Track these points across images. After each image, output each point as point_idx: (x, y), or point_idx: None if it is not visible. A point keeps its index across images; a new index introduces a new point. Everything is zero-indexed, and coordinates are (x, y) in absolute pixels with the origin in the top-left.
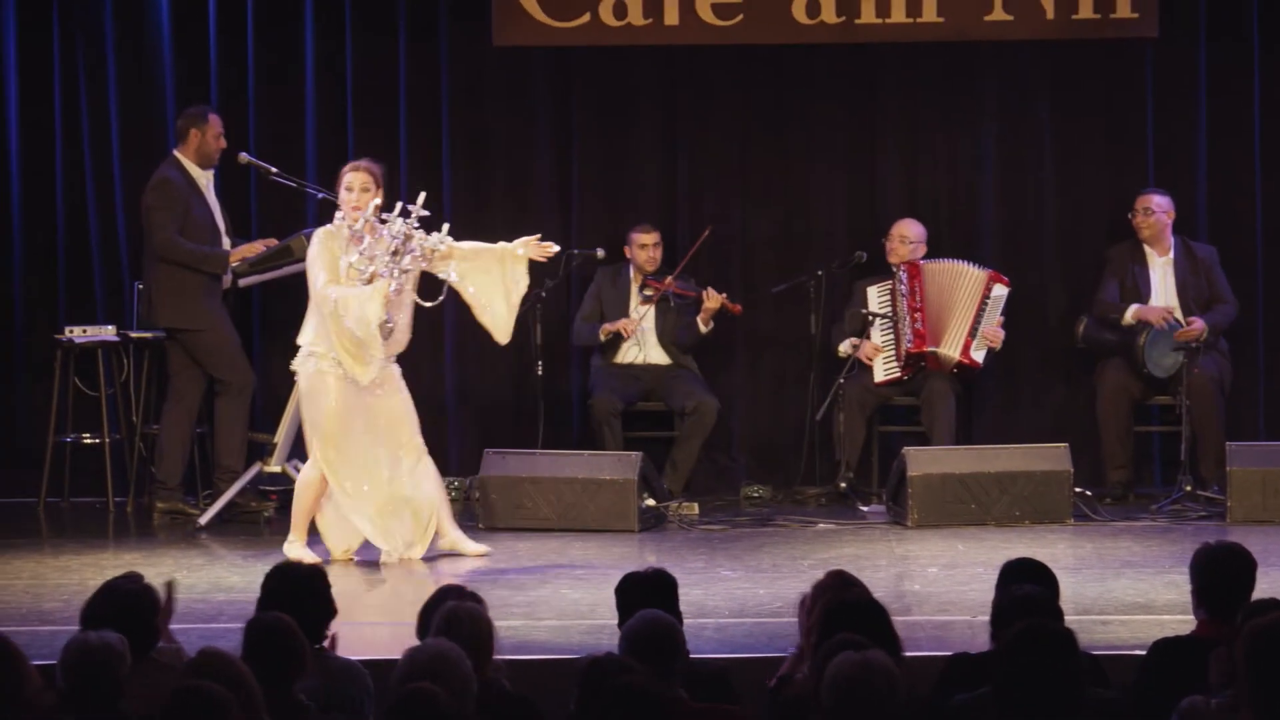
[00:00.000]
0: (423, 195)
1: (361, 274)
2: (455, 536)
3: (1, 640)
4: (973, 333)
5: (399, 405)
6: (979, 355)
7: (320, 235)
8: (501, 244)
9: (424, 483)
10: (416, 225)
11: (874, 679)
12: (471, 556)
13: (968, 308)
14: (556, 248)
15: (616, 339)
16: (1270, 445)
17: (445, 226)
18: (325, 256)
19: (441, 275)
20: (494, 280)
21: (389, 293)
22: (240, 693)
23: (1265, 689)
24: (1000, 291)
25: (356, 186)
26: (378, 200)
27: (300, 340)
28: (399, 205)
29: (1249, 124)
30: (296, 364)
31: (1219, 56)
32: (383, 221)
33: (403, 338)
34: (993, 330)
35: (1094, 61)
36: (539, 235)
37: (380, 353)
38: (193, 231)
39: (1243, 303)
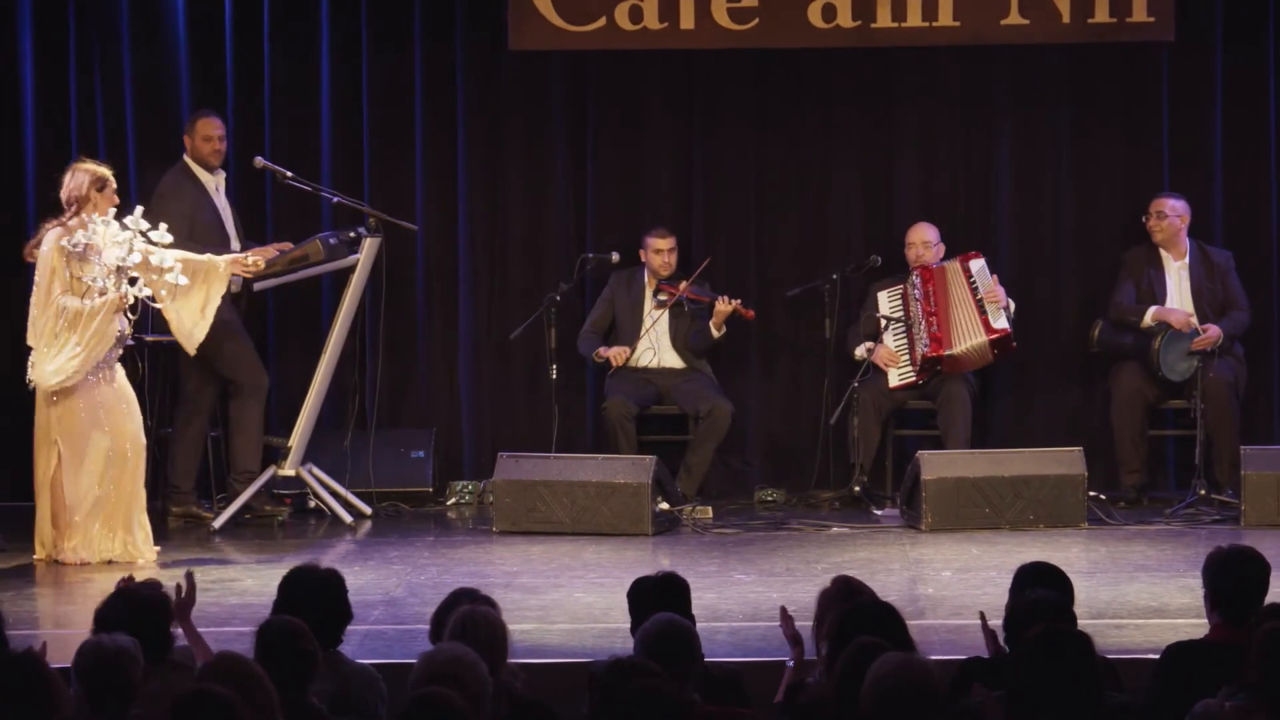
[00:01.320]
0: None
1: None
2: None
3: (34, 661)
4: (982, 308)
5: None
6: (999, 323)
7: None
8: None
9: None
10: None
11: (918, 679)
12: None
13: (963, 295)
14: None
15: (631, 340)
16: (1270, 449)
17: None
18: None
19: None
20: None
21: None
22: (257, 697)
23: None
24: (977, 264)
25: None
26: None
27: None
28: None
29: (1265, 128)
30: None
31: (1235, 60)
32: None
33: None
34: (992, 293)
35: (1110, 65)
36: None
37: None
38: (201, 235)
39: (1258, 307)
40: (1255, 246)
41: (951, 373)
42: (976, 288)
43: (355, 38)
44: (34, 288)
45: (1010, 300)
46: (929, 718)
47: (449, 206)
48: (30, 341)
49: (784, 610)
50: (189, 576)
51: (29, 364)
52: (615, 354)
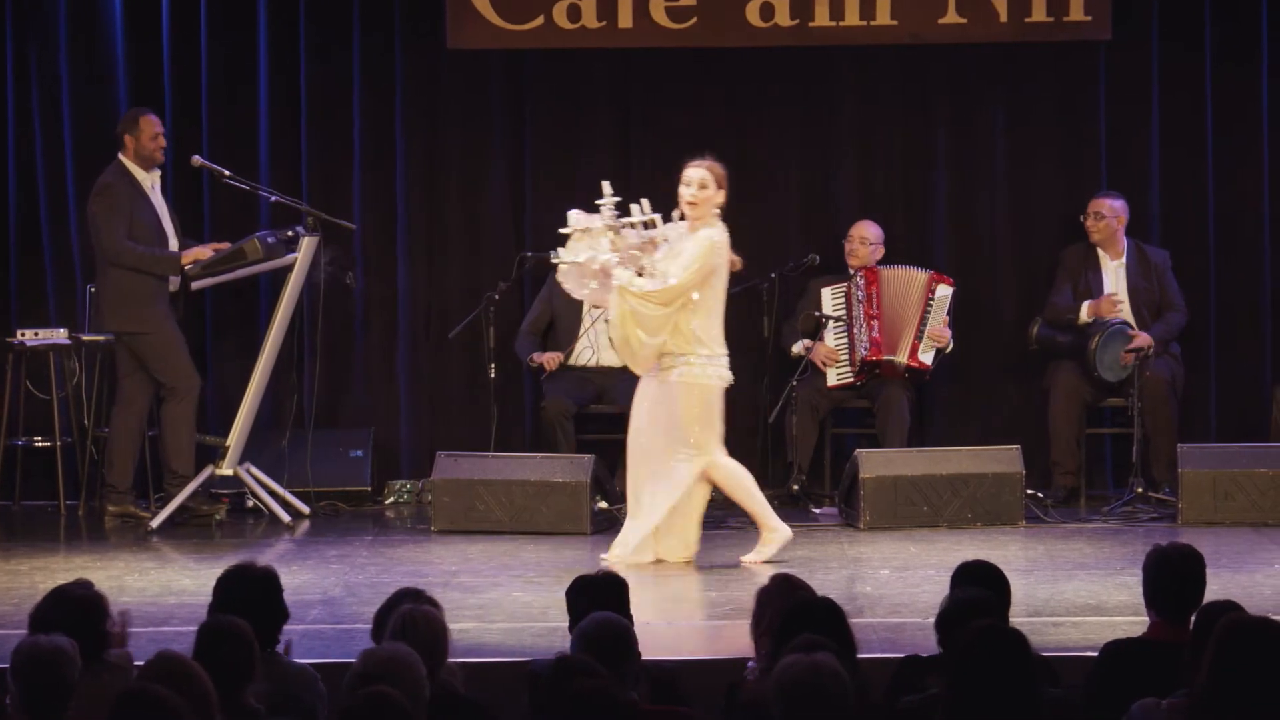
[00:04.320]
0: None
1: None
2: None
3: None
4: (919, 335)
5: None
6: (927, 357)
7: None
8: None
9: None
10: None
11: (822, 681)
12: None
13: (915, 311)
14: None
15: (570, 339)
16: (1222, 447)
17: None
18: None
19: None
20: None
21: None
22: (196, 697)
23: (1233, 687)
24: (944, 291)
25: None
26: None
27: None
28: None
29: (1202, 127)
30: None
31: (1172, 59)
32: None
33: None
34: (938, 330)
35: (1047, 64)
36: None
37: None
38: (138, 234)
39: (1195, 305)
40: (1192, 246)
41: (889, 375)
42: (928, 315)
43: (293, 36)
44: None
45: (953, 343)
46: (835, 717)
47: (387, 205)
48: None
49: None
50: (125, 615)
51: None
52: (548, 359)
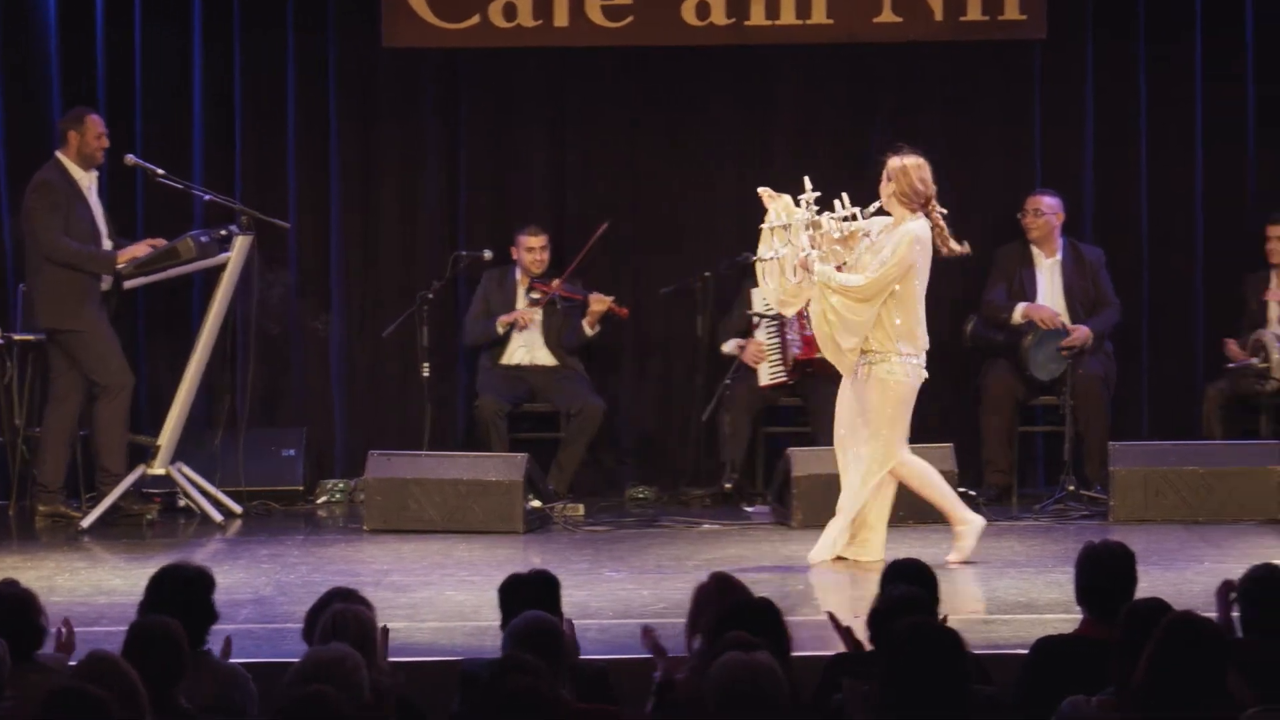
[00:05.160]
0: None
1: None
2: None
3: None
4: None
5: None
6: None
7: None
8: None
9: None
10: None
11: (758, 679)
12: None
13: None
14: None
15: (504, 338)
16: (1153, 445)
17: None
18: None
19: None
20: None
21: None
22: (127, 697)
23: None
24: None
25: None
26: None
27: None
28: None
29: (1135, 126)
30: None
31: (1106, 58)
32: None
33: None
34: None
35: (983, 63)
36: None
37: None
38: (74, 233)
39: (1128, 304)
40: (1126, 244)
41: (823, 373)
42: None
43: (227, 35)
44: None
45: None
46: (768, 715)
47: (321, 204)
48: None
49: (645, 630)
50: (67, 623)
51: None
52: (520, 314)
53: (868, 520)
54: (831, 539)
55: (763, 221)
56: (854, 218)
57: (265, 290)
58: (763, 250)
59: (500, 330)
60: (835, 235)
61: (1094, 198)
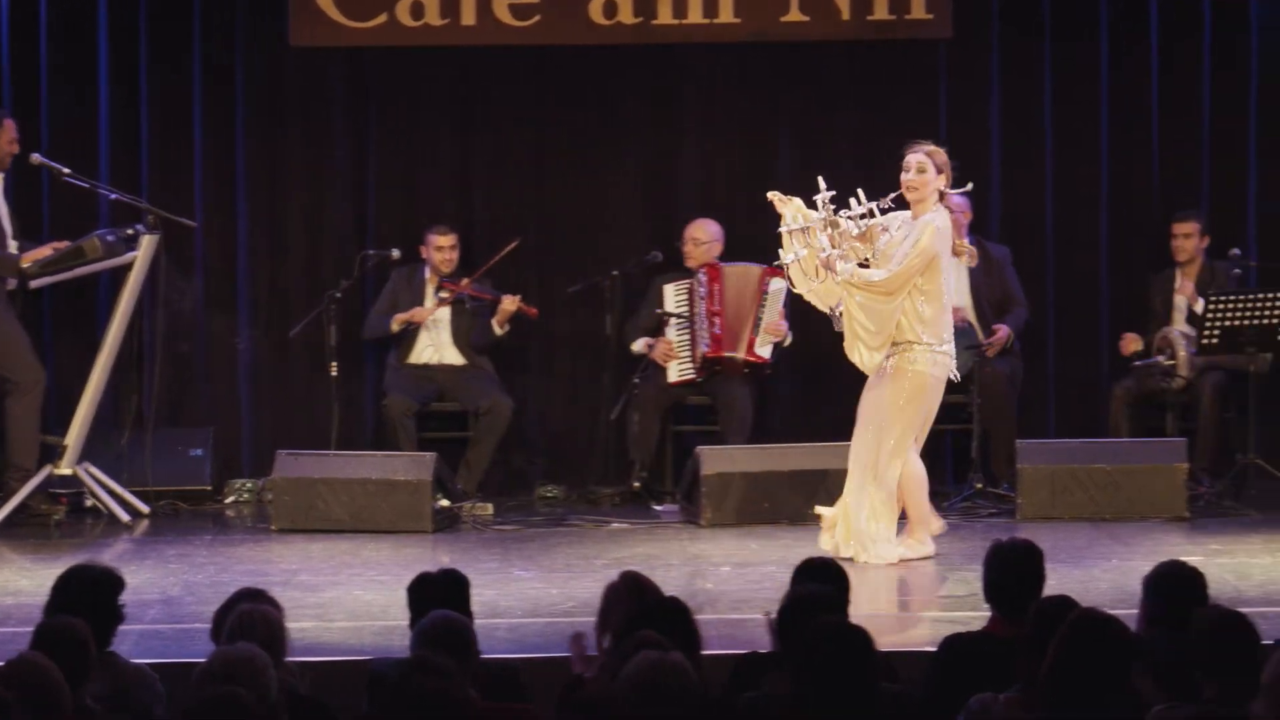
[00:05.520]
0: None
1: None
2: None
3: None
4: (755, 329)
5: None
6: (764, 351)
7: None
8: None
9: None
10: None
11: (671, 679)
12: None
13: (751, 306)
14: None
15: (412, 337)
16: (1060, 443)
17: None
18: None
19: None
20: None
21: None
22: (52, 700)
23: (1073, 681)
24: (777, 285)
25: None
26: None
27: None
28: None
29: (1040, 125)
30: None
31: (1012, 56)
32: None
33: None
34: (774, 324)
35: (889, 61)
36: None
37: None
38: None
39: (1034, 302)
40: (1031, 242)
41: (730, 373)
42: (763, 309)
43: (133, 32)
44: None
45: (790, 334)
46: (682, 715)
47: (228, 203)
48: None
49: (575, 637)
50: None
51: None
52: (416, 313)
53: (920, 515)
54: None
55: (779, 225)
56: (871, 214)
57: (177, 302)
58: (784, 255)
59: (395, 328)
60: (854, 232)
61: (1000, 196)
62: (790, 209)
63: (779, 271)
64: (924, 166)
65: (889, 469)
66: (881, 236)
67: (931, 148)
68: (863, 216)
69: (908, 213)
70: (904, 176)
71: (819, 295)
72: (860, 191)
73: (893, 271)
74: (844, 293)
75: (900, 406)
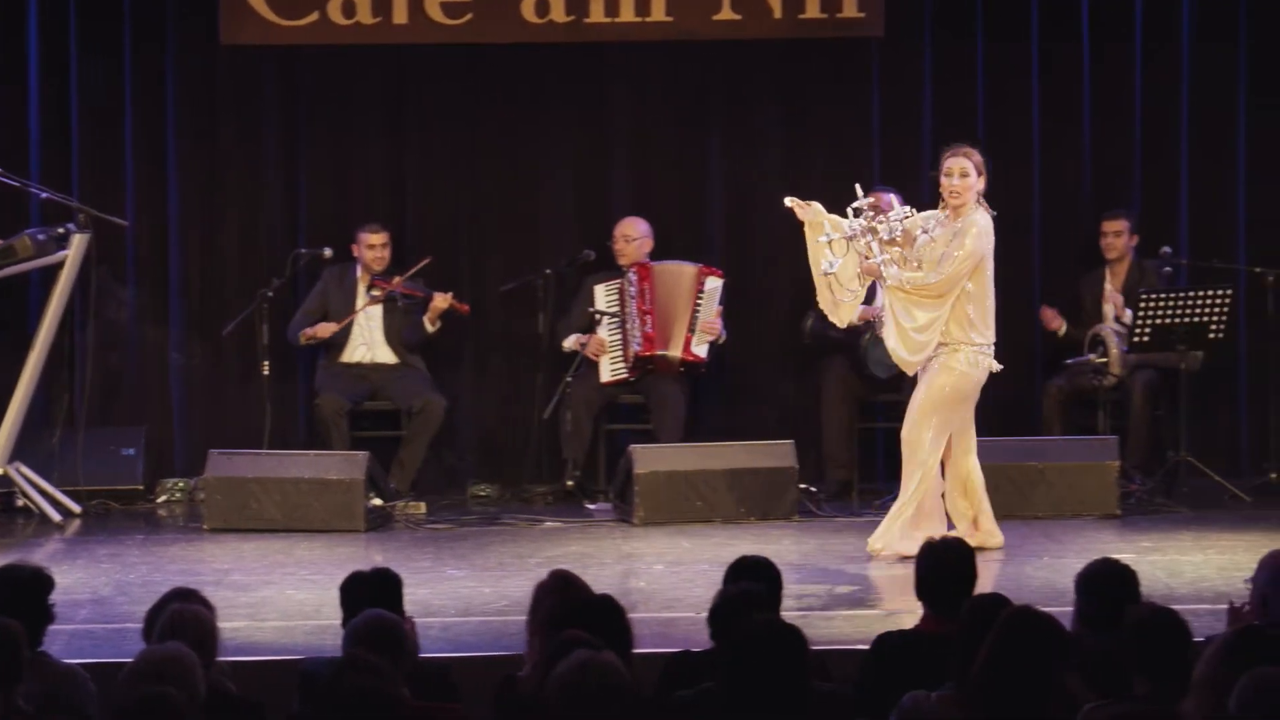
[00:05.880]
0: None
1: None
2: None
3: None
4: (692, 328)
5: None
6: (700, 350)
7: None
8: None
9: None
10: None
11: (600, 678)
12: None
13: (686, 305)
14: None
15: (344, 336)
16: (992, 440)
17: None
18: None
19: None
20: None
21: None
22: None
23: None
24: (714, 284)
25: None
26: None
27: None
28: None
29: (972, 123)
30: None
31: (944, 56)
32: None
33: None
34: (710, 323)
35: (821, 60)
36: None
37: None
38: None
39: None
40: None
41: (664, 371)
42: (699, 308)
43: (64, 31)
44: None
45: (725, 333)
46: (615, 714)
47: (159, 202)
48: None
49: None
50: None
51: None
52: (320, 328)
53: (982, 508)
54: (890, 531)
55: (805, 230)
56: (909, 217)
57: (114, 311)
58: (823, 265)
59: (301, 342)
60: (892, 236)
61: (931, 196)
62: (810, 214)
63: (715, 271)
64: (966, 170)
65: (929, 459)
66: (920, 237)
67: (969, 149)
68: (900, 220)
69: (939, 213)
70: (946, 181)
71: (859, 300)
72: (894, 196)
73: (944, 275)
74: (889, 297)
75: (938, 403)
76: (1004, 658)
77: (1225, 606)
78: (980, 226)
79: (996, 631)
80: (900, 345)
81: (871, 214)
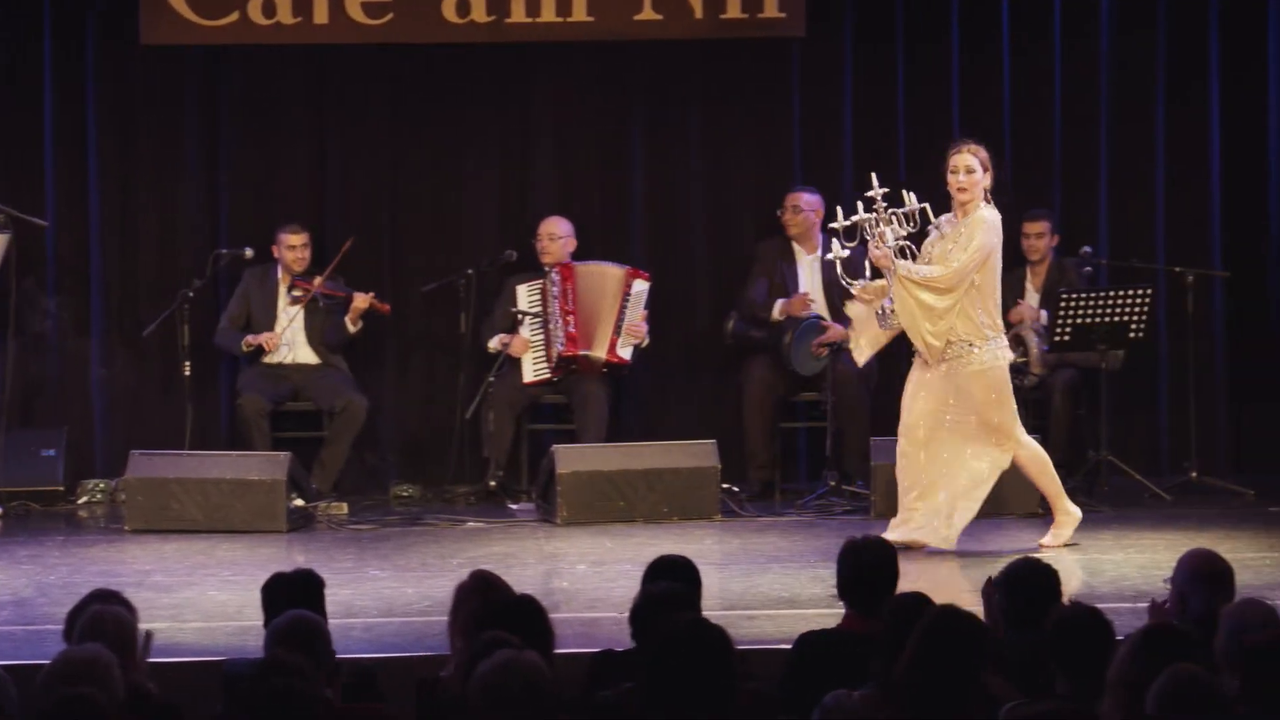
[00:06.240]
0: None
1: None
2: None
3: None
4: (618, 330)
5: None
6: (625, 352)
7: None
8: None
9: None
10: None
11: (522, 678)
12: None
13: (612, 307)
14: None
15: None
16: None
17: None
18: None
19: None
20: None
21: None
22: None
23: (930, 677)
24: (640, 287)
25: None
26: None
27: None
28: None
29: (894, 123)
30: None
31: (864, 56)
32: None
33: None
34: (635, 325)
35: (743, 60)
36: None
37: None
38: None
39: None
40: None
41: (586, 371)
42: (625, 310)
43: None
44: None
45: (648, 337)
46: (537, 714)
47: (80, 202)
48: None
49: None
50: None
51: None
52: (266, 338)
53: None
54: (925, 524)
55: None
56: (924, 212)
57: (38, 324)
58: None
59: (244, 349)
60: (903, 230)
61: (853, 195)
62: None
63: (642, 274)
64: (972, 167)
65: (989, 467)
66: (932, 232)
67: (974, 146)
68: (911, 213)
69: (949, 215)
70: (953, 178)
71: (870, 294)
72: (906, 192)
73: (953, 268)
74: (901, 289)
75: (997, 403)
76: (927, 659)
77: (1146, 605)
78: (989, 221)
79: (919, 633)
80: (924, 320)
81: (885, 205)
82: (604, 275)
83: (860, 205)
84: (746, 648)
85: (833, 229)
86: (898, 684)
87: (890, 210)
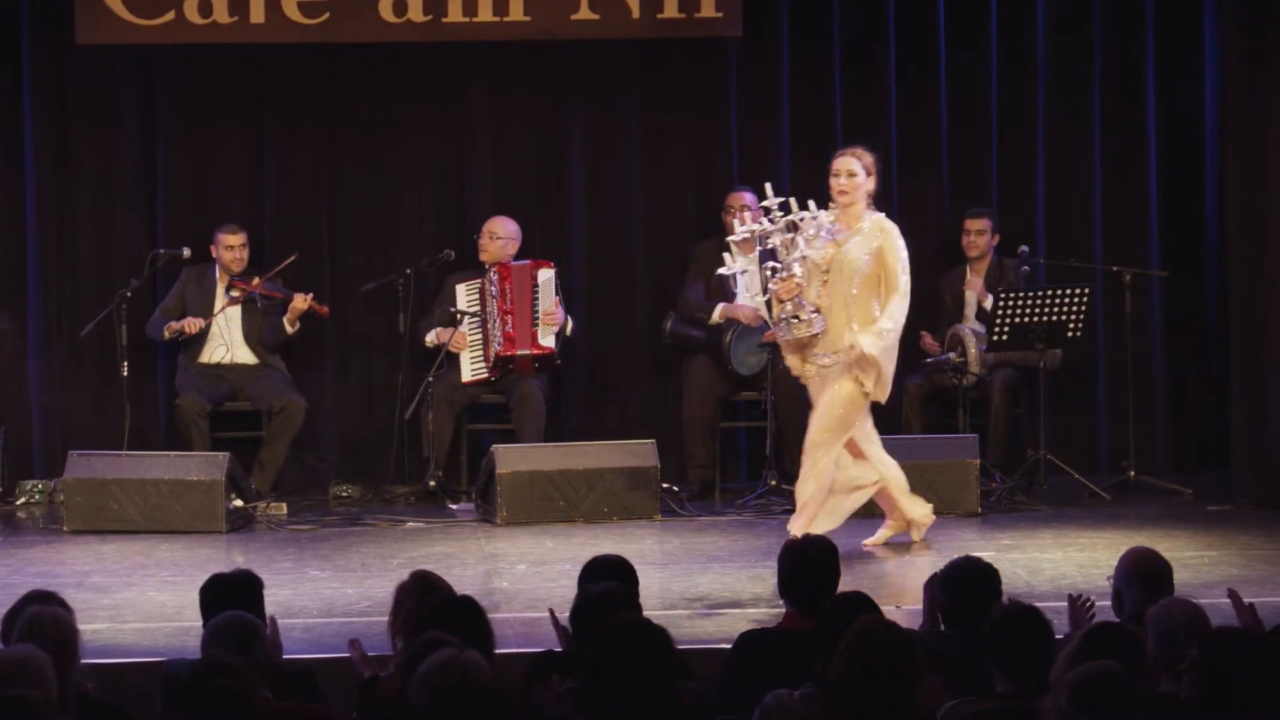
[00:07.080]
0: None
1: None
2: None
3: None
4: (534, 322)
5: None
6: (547, 341)
7: None
8: None
9: None
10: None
11: (462, 677)
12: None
13: (526, 301)
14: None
15: (203, 336)
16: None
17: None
18: None
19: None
20: None
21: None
22: None
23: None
24: (545, 275)
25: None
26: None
27: None
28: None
29: (831, 123)
30: None
31: (801, 56)
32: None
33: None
34: (549, 313)
35: (680, 60)
36: None
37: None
38: None
39: None
40: None
41: (522, 371)
42: (537, 300)
43: None
44: None
45: (570, 319)
46: (479, 714)
47: (16, 203)
48: None
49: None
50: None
51: None
52: (187, 323)
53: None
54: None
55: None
56: (815, 218)
57: None
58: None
59: (166, 336)
60: (798, 237)
61: (792, 193)
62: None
63: (545, 262)
64: (853, 170)
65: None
66: (822, 235)
67: (859, 150)
68: (804, 219)
69: (828, 213)
70: (835, 181)
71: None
72: (793, 199)
73: (898, 293)
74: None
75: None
76: (856, 670)
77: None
78: (892, 228)
79: (846, 646)
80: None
81: (780, 214)
82: (521, 271)
83: (752, 218)
84: (687, 647)
85: (730, 241)
86: (832, 690)
87: (786, 218)
